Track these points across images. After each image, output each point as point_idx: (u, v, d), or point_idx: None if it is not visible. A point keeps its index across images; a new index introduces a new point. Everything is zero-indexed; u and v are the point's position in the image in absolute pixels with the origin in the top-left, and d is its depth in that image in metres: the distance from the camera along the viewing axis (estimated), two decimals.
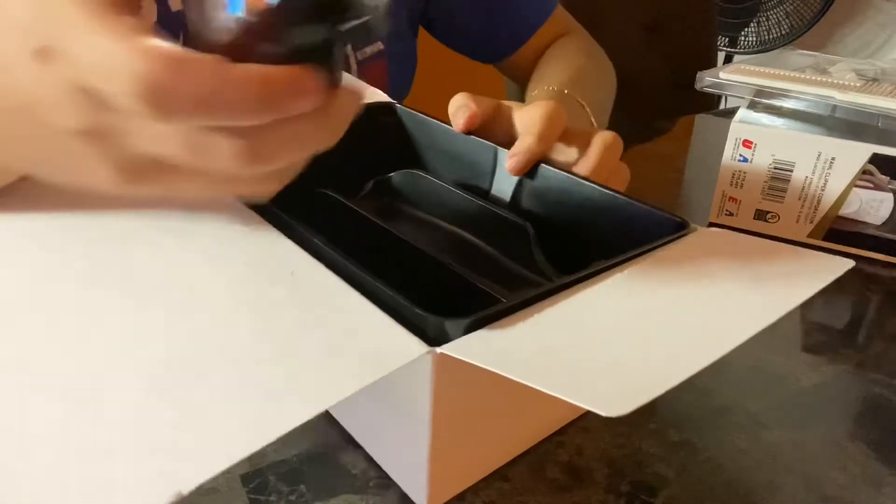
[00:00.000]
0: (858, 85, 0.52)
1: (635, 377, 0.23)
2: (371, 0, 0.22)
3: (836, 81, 0.53)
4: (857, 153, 0.47)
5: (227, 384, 0.23)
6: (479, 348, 0.24)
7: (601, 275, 0.29)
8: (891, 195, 0.48)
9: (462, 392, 0.26)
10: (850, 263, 0.29)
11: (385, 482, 0.29)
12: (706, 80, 0.55)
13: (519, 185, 0.41)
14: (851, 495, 0.29)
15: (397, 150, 0.48)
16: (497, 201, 0.42)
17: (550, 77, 0.62)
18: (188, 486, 0.18)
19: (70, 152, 0.24)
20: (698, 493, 0.29)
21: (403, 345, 0.24)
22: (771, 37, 1.81)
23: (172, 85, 0.20)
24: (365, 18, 0.22)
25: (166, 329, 0.25)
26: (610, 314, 0.27)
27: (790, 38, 1.79)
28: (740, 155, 0.52)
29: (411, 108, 0.47)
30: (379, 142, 0.46)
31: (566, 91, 0.57)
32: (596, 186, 0.37)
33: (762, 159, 0.51)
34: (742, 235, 0.34)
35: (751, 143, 0.51)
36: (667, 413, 0.34)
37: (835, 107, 0.50)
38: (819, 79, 0.54)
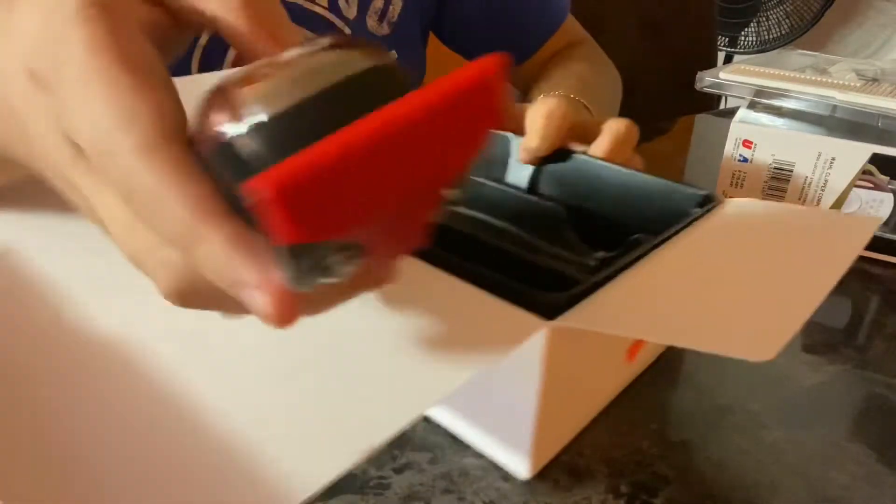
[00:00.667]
0: (858, 85, 0.52)
1: (761, 322, 0.24)
2: None
3: (836, 81, 0.53)
4: (857, 153, 0.47)
5: (369, 371, 0.25)
6: (592, 317, 0.25)
7: (659, 247, 0.30)
8: (891, 195, 0.48)
9: (567, 361, 0.28)
10: (880, 220, 0.30)
11: (385, 482, 0.29)
12: (706, 80, 0.55)
13: (536, 170, 0.42)
14: (851, 495, 0.29)
15: None
16: (514, 189, 0.43)
17: (557, 83, 0.63)
18: (378, 440, 0.21)
19: (66, 188, 0.21)
20: (698, 493, 0.29)
21: (521, 321, 0.26)
22: (771, 37, 1.81)
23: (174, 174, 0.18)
24: None
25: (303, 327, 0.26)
26: (694, 276, 0.28)
27: (790, 38, 1.79)
28: (740, 155, 0.52)
29: (514, 99, 0.49)
30: None
31: (572, 95, 0.57)
32: (614, 166, 0.39)
33: (762, 159, 0.51)
34: (771, 203, 0.35)
35: (751, 143, 0.51)
36: (667, 413, 0.34)
37: (835, 107, 0.50)
38: (819, 79, 0.54)
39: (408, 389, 0.24)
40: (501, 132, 0.43)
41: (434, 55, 0.73)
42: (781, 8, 1.78)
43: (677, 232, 0.32)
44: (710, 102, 1.14)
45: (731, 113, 0.56)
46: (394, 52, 0.65)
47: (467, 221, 0.43)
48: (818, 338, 0.41)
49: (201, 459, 0.22)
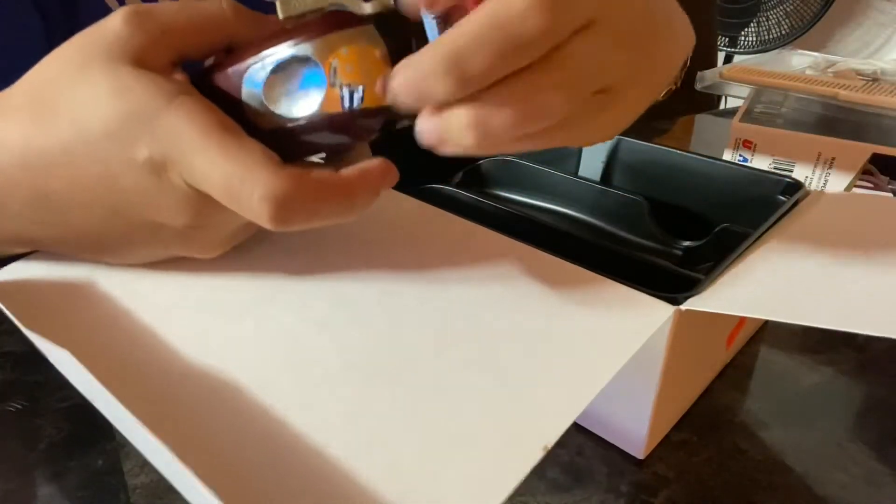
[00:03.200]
0: (858, 85, 0.52)
1: (893, 301, 0.24)
2: None
3: (836, 81, 0.53)
4: (857, 153, 0.47)
5: (514, 364, 0.25)
6: (720, 303, 0.26)
7: (761, 238, 0.31)
8: (891, 195, 0.48)
9: (686, 345, 0.29)
10: None
11: None
12: (706, 80, 0.55)
13: (609, 162, 0.42)
14: (851, 495, 0.29)
15: None
16: (589, 181, 0.43)
17: None
18: (550, 440, 0.21)
19: (155, 239, 0.27)
20: (698, 493, 0.29)
21: (650, 305, 0.26)
22: (771, 37, 1.81)
23: (299, 204, 0.23)
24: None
25: (445, 326, 0.27)
26: (806, 261, 0.29)
27: (790, 38, 1.79)
28: (740, 155, 0.52)
29: None
30: None
31: None
32: (693, 155, 0.39)
33: (762, 159, 0.51)
34: (855, 194, 0.35)
35: (751, 143, 0.51)
36: None
37: (835, 107, 0.50)
38: (819, 79, 0.54)
39: (564, 383, 0.24)
40: None
41: None
42: (781, 8, 1.78)
43: (775, 221, 0.32)
44: (710, 102, 1.14)
45: (731, 113, 0.56)
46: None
47: (545, 214, 0.43)
48: (818, 338, 0.41)
49: (379, 483, 0.21)
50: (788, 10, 1.77)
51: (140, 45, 0.24)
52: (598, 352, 0.25)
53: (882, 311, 0.24)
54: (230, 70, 0.25)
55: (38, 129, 0.25)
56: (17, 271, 0.31)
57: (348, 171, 0.24)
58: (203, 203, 0.24)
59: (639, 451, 0.30)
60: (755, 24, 1.82)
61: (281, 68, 0.24)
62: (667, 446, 0.32)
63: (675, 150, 0.40)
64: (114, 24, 0.24)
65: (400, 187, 0.35)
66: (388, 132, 0.25)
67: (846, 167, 0.48)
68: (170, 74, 0.25)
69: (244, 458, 0.22)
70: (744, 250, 0.30)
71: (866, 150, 0.47)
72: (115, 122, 0.23)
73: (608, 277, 0.28)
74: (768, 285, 0.27)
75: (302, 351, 0.27)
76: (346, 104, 0.24)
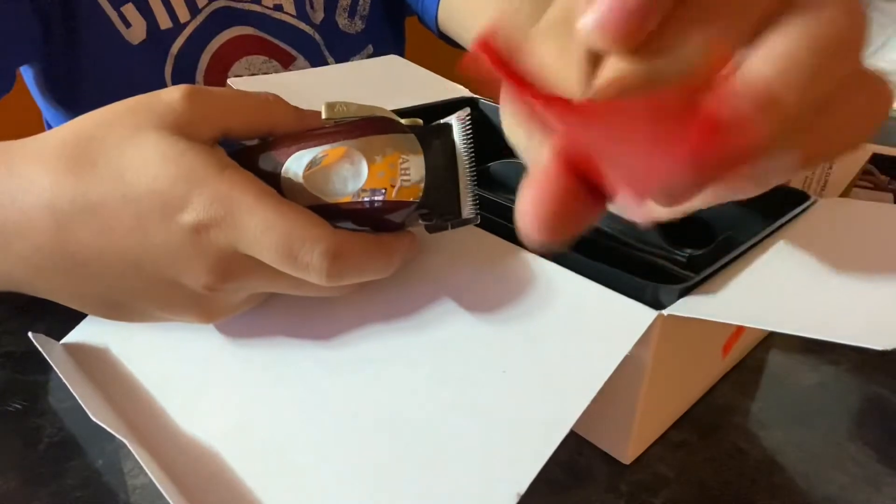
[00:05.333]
0: None
1: (878, 312, 0.24)
2: (464, 217, 0.29)
3: None
4: (857, 153, 0.47)
5: (495, 397, 0.26)
6: (703, 308, 0.26)
7: (757, 246, 0.31)
8: (891, 195, 0.48)
9: (673, 351, 0.29)
10: None
11: None
12: None
13: None
14: (851, 495, 0.29)
15: (480, 144, 0.49)
16: None
17: None
18: (522, 486, 0.22)
19: (182, 305, 0.28)
20: (698, 493, 0.29)
21: (632, 311, 0.26)
22: None
23: (352, 260, 0.26)
24: (443, 223, 0.29)
25: (429, 345, 0.28)
26: (800, 271, 0.28)
27: None
28: None
29: (494, 102, 0.49)
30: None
31: None
32: None
33: None
34: (862, 203, 0.36)
35: None
36: None
37: None
38: None
39: (540, 411, 0.24)
40: None
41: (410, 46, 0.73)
42: None
43: (775, 230, 0.32)
44: None
45: None
46: (370, 47, 0.65)
47: None
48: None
49: None
50: None
51: (190, 119, 0.26)
52: (578, 371, 0.25)
53: (867, 322, 0.24)
54: (274, 152, 0.27)
55: (74, 180, 0.26)
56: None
57: (389, 239, 0.28)
58: (238, 264, 0.26)
59: (623, 455, 0.30)
60: None
61: (327, 157, 0.27)
62: (667, 446, 0.32)
63: None
64: (172, 97, 0.26)
65: None
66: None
67: (846, 167, 0.48)
68: (212, 148, 0.26)
69: None
70: (735, 258, 0.30)
71: (866, 150, 0.47)
72: (165, 182, 0.25)
73: (595, 281, 0.28)
74: (757, 293, 0.27)
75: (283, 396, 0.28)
76: (379, 196, 0.27)
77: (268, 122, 0.28)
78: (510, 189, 0.46)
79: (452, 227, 0.29)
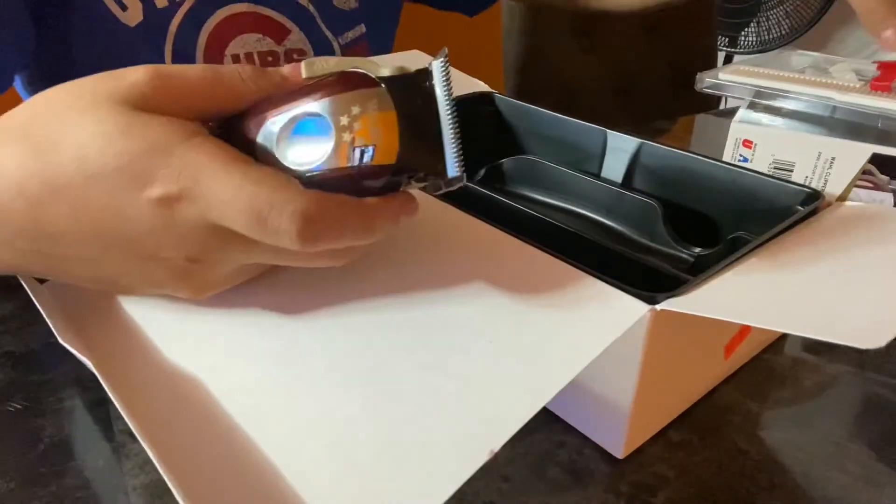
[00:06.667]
0: (858, 85, 0.52)
1: (872, 314, 0.24)
2: (450, 177, 0.26)
3: (835, 82, 0.53)
4: (857, 153, 0.47)
5: (477, 363, 0.25)
6: (696, 304, 0.26)
7: (765, 244, 0.31)
8: (891, 195, 0.48)
9: (668, 348, 0.28)
10: None
11: None
12: (706, 80, 0.55)
13: (631, 165, 0.42)
14: (851, 495, 0.29)
15: (495, 139, 0.49)
16: (609, 184, 0.43)
17: None
18: (496, 445, 0.22)
19: (166, 279, 0.27)
20: (698, 493, 0.29)
21: (625, 304, 0.26)
22: (771, 37, 1.81)
23: (326, 222, 0.24)
24: (437, 183, 0.26)
25: (407, 322, 0.28)
26: (802, 272, 0.28)
27: (790, 38, 1.79)
28: (740, 155, 0.52)
29: (510, 97, 0.49)
30: (478, 131, 0.48)
31: None
32: (714, 161, 0.38)
33: (762, 159, 0.51)
34: (882, 207, 0.35)
35: (751, 143, 0.51)
36: None
37: (835, 107, 0.50)
38: (819, 79, 0.54)
39: (521, 380, 0.24)
40: (596, 126, 0.43)
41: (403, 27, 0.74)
42: (781, 8, 1.78)
43: (784, 230, 0.32)
44: (710, 102, 1.14)
45: (731, 113, 0.56)
46: (361, 26, 0.65)
47: (561, 214, 0.44)
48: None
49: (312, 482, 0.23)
50: (788, 10, 1.77)
51: (158, 104, 0.25)
52: (563, 351, 0.25)
53: (865, 323, 0.24)
54: (249, 122, 0.26)
55: (39, 161, 0.25)
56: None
57: (372, 199, 0.26)
58: (212, 235, 0.25)
59: (618, 450, 0.30)
60: (755, 24, 1.82)
61: (293, 122, 0.25)
62: (667, 446, 0.32)
63: (697, 156, 0.39)
64: (136, 76, 0.25)
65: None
66: (394, 187, 0.26)
67: (846, 167, 0.48)
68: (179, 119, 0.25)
69: (212, 462, 0.24)
70: (740, 257, 0.29)
71: (866, 150, 0.47)
72: (128, 157, 0.24)
73: (593, 274, 0.28)
74: (755, 291, 0.27)
75: (278, 357, 0.28)
76: (352, 161, 0.24)
77: (244, 101, 0.27)
78: (522, 185, 0.46)
79: (447, 187, 0.26)
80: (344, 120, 0.24)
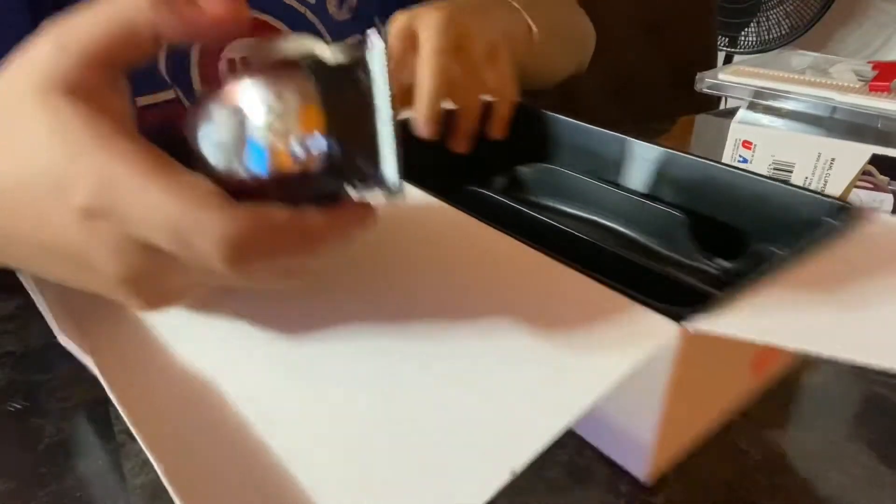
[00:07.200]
0: (858, 86, 0.52)
1: None
2: (387, 177, 0.23)
3: (835, 82, 0.53)
4: (857, 154, 0.47)
5: (498, 379, 0.24)
6: (730, 324, 0.24)
7: (791, 261, 0.29)
8: (891, 196, 0.48)
9: (696, 367, 0.27)
10: None
11: None
12: (706, 81, 0.55)
13: (654, 175, 0.41)
14: (851, 495, 0.29)
15: (514, 146, 0.48)
16: (630, 193, 0.42)
17: None
18: (518, 464, 0.21)
19: (110, 292, 0.25)
20: (698, 493, 0.29)
21: (654, 323, 0.25)
22: (771, 37, 1.81)
23: (257, 245, 0.22)
24: (377, 187, 0.23)
25: (426, 333, 0.27)
26: (835, 290, 0.27)
27: (790, 38, 1.79)
28: (740, 156, 0.52)
29: (528, 104, 0.48)
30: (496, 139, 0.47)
31: None
32: (742, 171, 0.37)
33: (762, 160, 0.51)
34: None
35: (750, 143, 0.51)
36: None
37: (834, 108, 0.50)
38: (818, 80, 0.54)
39: (544, 399, 0.23)
40: (616, 134, 0.43)
41: None
42: (781, 8, 1.78)
43: (812, 244, 0.30)
44: (710, 102, 1.14)
45: (731, 113, 0.56)
46: (357, 36, 0.65)
47: (581, 224, 0.43)
48: None
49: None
50: (788, 10, 1.77)
51: (68, 68, 0.23)
52: (587, 371, 0.24)
53: (877, 339, 0.23)
54: (195, 115, 0.24)
55: None
56: None
57: (313, 214, 0.23)
58: (139, 252, 0.23)
59: (645, 474, 0.29)
60: (755, 24, 1.82)
61: (216, 117, 0.23)
62: None
63: (721, 165, 0.38)
64: (40, 51, 0.23)
65: (441, 188, 0.35)
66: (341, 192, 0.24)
67: (846, 167, 0.48)
68: (109, 98, 0.23)
69: (217, 465, 0.23)
70: (770, 271, 0.28)
71: (866, 150, 0.47)
72: (51, 161, 0.22)
73: (620, 291, 0.27)
74: (791, 310, 0.26)
75: (293, 365, 0.27)
76: (277, 162, 0.22)
77: (151, 34, 0.23)
78: (541, 193, 0.46)
79: (386, 196, 0.23)
80: (268, 115, 0.22)
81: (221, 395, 0.26)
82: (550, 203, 0.46)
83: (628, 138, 0.42)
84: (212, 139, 0.23)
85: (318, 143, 0.22)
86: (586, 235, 0.32)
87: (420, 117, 0.39)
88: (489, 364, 0.26)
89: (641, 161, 0.43)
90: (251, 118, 0.22)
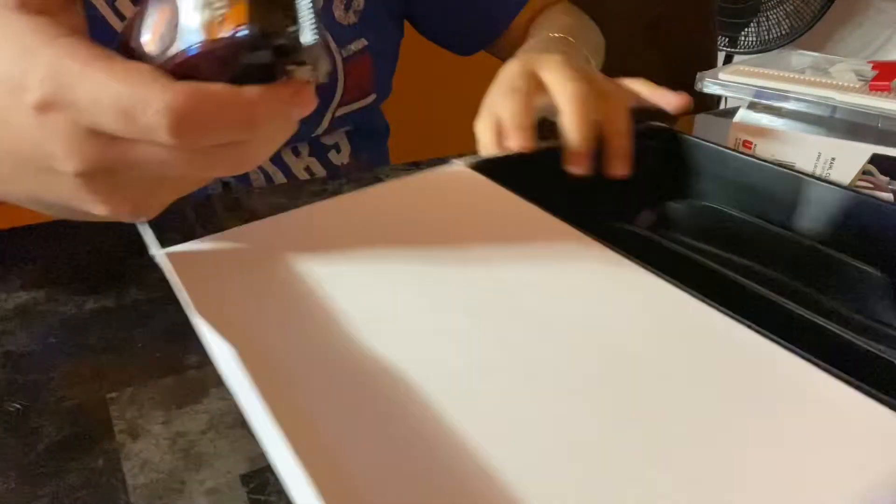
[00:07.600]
0: (858, 86, 0.52)
1: None
2: (316, 57, 0.25)
3: (835, 82, 0.53)
4: (857, 154, 0.47)
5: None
6: None
7: None
8: (891, 196, 0.48)
9: None
10: None
11: None
12: (706, 81, 0.55)
13: (840, 222, 0.35)
14: None
15: (664, 178, 0.43)
16: (805, 239, 0.36)
17: (546, 29, 0.64)
18: None
19: (72, 194, 0.26)
20: None
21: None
22: (771, 37, 1.81)
23: (198, 116, 0.23)
24: (309, 67, 0.25)
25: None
26: None
27: (790, 38, 1.79)
28: None
29: (686, 133, 0.44)
30: (648, 168, 0.42)
31: (559, 35, 0.59)
32: None
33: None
34: None
35: (750, 143, 0.51)
36: None
37: (835, 107, 0.50)
38: (818, 80, 0.54)
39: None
40: (789, 171, 0.37)
41: (407, 45, 0.74)
42: (781, 8, 1.78)
43: None
44: (710, 102, 1.14)
45: (731, 113, 0.56)
46: (363, 39, 0.65)
47: (742, 273, 0.34)
48: None
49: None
50: (788, 10, 1.77)
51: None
52: (831, 480, 0.20)
53: None
54: (135, 22, 0.26)
55: None
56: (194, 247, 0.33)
57: (251, 89, 0.24)
58: (90, 142, 0.24)
59: None
60: (755, 24, 1.82)
61: (148, 9, 0.25)
62: None
63: None
64: None
65: (580, 224, 0.31)
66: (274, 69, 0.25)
67: (846, 167, 0.48)
68: (60, 14, 0.25)
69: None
70: None
71: (866, 150, 0.47)
72: (6, 68, 0.24)
73: (840, 377, 0.23)
74: None
75: (464, 354, 0.26)
76: (207, 34, 0.23)
77: None
78: (694, 234, 0.40)
79: (313, 72, 0.25)
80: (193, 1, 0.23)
81: (422, 387, 0.24)
82: (704, 245, 0.39)
83: (803, 177, 0.37)
84: (148, 29, 0.25)
85: (243, 15, 0.23)
86: (763, 291, 0.28)
87: (572, 144, 0.39)
88: (720, 453, 0.22)
89: (818, 204, 0.37)
90: (182, 3, 0.24)
